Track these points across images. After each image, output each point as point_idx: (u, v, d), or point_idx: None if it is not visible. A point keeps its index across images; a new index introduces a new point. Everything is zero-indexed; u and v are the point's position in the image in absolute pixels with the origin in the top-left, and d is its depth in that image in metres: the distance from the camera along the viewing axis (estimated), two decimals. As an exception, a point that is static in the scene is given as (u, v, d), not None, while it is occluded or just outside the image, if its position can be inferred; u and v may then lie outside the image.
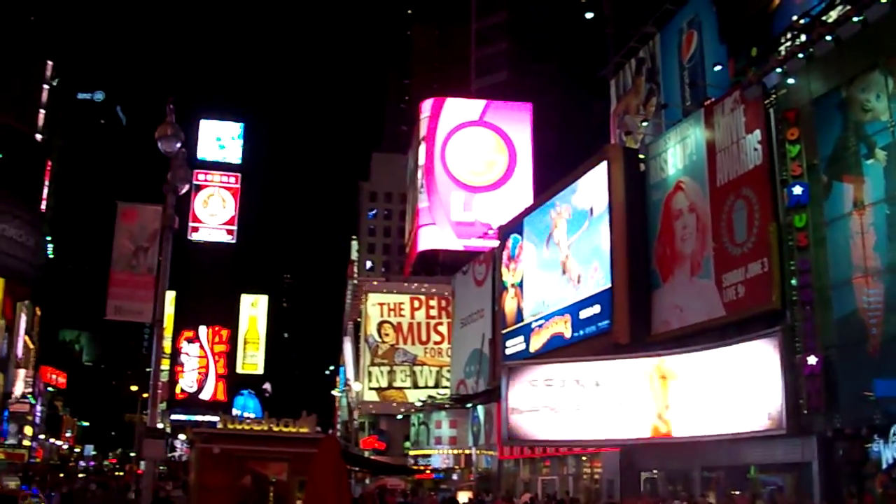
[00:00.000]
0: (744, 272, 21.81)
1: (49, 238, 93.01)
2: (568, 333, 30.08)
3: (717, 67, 27.34)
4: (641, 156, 28.50)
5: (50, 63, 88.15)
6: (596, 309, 28.04)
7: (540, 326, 32.69)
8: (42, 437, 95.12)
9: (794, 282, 20.30)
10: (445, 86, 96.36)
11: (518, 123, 67.23)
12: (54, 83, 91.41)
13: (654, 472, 26.87)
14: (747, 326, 21.68)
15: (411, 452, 52.18)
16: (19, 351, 79.92)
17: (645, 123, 31.83)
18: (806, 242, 20.03)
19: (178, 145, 19.68)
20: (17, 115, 70.70)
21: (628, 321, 26.39)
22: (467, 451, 44.09)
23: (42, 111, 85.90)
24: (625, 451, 27.19)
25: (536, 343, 32.85)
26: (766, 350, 20.69)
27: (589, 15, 60.83)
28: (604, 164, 28.78)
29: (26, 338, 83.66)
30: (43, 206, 77.46)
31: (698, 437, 22.79)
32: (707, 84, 28.15)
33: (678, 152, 25.86)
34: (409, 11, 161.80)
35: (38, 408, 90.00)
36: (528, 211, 37.09)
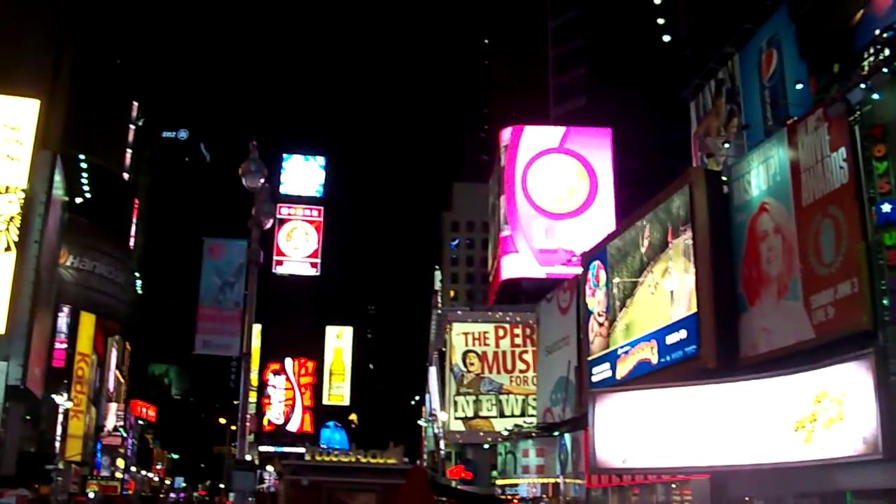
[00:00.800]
0: (833, 293, 21.32)
1: (137, 274, 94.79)
2: (654, 359, 29.73)
3: (799, 85, 26.92)
4: (724, 178, 28.10)
5: (135, 103, 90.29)
6: (682, 334, 27.67)
7: (626, 353, 32.37)
8: (133, 469, 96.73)
9: (885, 302, 19.80)
10: (524, 113, 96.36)
11: (598, 149, 67.02)
12: (140, 123, 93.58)
13: (746, 498, 26.33)
14: (838, 348, 21.17)
15: (498, 482, 51.96)
16: (111, 385, 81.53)
17: (727, 145, 31.44)
18: (896, 261, 19.58)
19: (262, 181, 19.97)
20: (104, 156, 72.50)
21: (715, 346, 25.96)
22: (555, 480, 43.75)
23: (129, 150, 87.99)
24: (715, 477, 26.70)
25: (622, 370, 32.53)
26: (857, 372, 20.19)
27: (666, 38, 60.48)
28: (686, 188, 28.47)
29: (117, 372, 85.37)
30: (131, 244, 79.14)
31: (790, 462, 22.29)
32: (789, 103, 27.73)
33: (761, 173, 25.45)
34: (486, 41, 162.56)
35: (130, 441, 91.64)
36: (610, 237, 36.85)
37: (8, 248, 36.87)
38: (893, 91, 20.23)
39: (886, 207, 19.74)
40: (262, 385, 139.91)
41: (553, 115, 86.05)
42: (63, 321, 59.68)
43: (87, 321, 64.76)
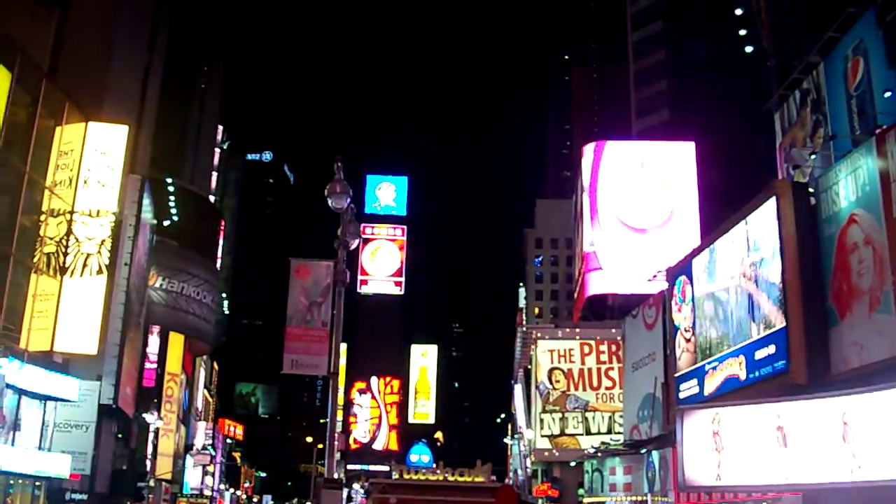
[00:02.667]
0: (927, 305, 20.83)
1: (224, 295, 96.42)
2: (742, 375, 29.25)
3: (887, 94, 26.38)
4: (811, 189, 27.61)
5: (220, 127, 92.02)
6: (771, 349, 27.19)
7: (714, 369, 31.91)
8: (222, 487, 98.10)
9: (983, 313, 19.28)
10: (605, 129, 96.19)
11: (681, 162, 66.39)
12: (225, 146, 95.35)
13: (840, 517, 25.75)
14: (934, 362, 20.67)
15: (585, 500, 51.49)
16: (199, 404, 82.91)
17: (813, 156, 30.91)
18: None
19: (348, 201, 20.20)
20: (191, 178, 73.97)
21: (805, 361, 25.44)
22: (642, 498, 43.23)
23: (214, 173, 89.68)
24: (808, 496, 26.15)
25: (710, 386, 32.06)
26: (955, 386, 19.68)
27: (749, 49, 59.97)
28: (773, 201, 28.03)
29: (205, 391, 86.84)
30: (218, 265, 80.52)
31: (885, 481, 21.74)
32: (877, 112, 27.18)
33: (850, 184, 24.95)
34: (567, 57, 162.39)
35: (219, 458, 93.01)
36: (696, 251, 36.40)
37: (100, 271, 37.72)
38: None
39: (980, 217, 19.24)
40: (349, 404, 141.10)
41: (635, 130, 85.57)
42: (153, 342, 60.94)
43: (177, 341, 66.07)
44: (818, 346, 25.42)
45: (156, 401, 60.37)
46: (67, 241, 37.11)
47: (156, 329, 61.33)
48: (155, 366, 61.31)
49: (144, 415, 53.24)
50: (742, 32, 67.15)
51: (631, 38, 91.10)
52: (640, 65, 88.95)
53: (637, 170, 66.91)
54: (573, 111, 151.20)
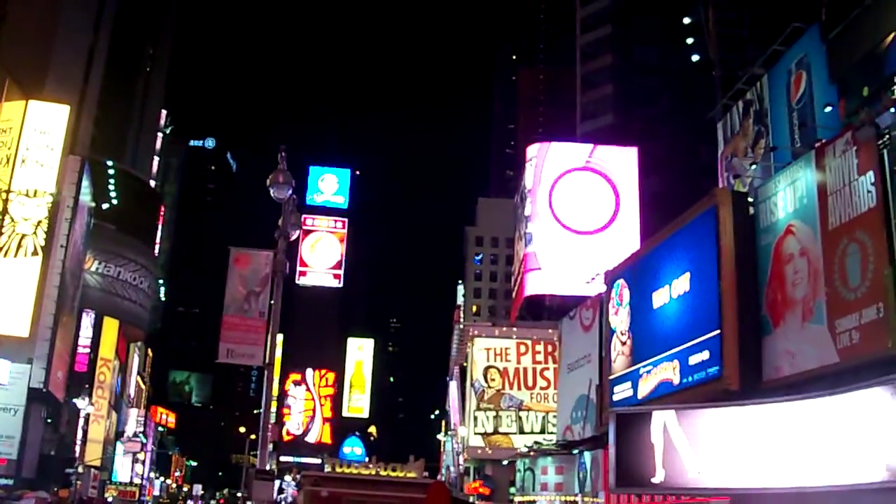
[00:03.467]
0: (858, 317, 21.16)
1: (161, 281, 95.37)
2: (676, 380, 29.56)
3: (828, 108, 26.81)
4: (750, 199, 27.98)
5: (164, 111, 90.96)
6: (705, 355, 27.50)
7: (648, 372, 32.21)
8: (152, 475, 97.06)
9: (912, 327, 19.66)
10: (551, 130, 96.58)
11: (624, 167, 66.93)
12: (168, 131, 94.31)
13: (766, 522, 26.13)
14: (863, 373, 20.99)
15: (517, 499, 51.74)
16: (132, 391, 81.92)
17: (754, 166, 31.30)
18: (924, 287, 19.42)
19: (290, 192, 20.09)
20: (132, 162, 73.04)
21: (738, 368, 25.78)
22: (573, 498, 43.53)
23: (156, 158, 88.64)
24: (735, 500, 26.51)
25: (644, 389, 32.36)
26: (883, 397, 20.01)
27: (695, 58, 60.57)
28: (712, 208, 28.36)
29: (138, 378, 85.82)
30: (156, 251, 79.63)
31: (811, 487, 22.10)
32: (817, 125, 27.61)
33: (788, 195, 25.33)
34: (514, 57, 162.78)
35: (149, 447, 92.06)
36: (635, 256, 36.73)
37: (35, 253, 37.24)
38: (923, 115, 20.15)
39: (914, 232, 19.62)
40: (283, 395, 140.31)
41: (580, 133, 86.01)
42: (87, 326, 60.10)
43: (111, 326, 65.21)
44: (751, 353, 25.76)
45: (87, 386, 59.50)
46: (2, 220, 36.54)
47: (90, 313, 60.47)
48: (88, 350, 60.47)
49: (75, 400, 52.46)
50: (689, 41, 67.86)
51: (579, 41, 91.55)
52: (587, 68, 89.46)
53: (580, 172, 67.33)
54: (519, 111, 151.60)
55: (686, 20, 70.13)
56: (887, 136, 21.32)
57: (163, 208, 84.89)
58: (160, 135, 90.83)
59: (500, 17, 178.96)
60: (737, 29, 42.88)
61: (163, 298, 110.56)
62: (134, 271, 64.46)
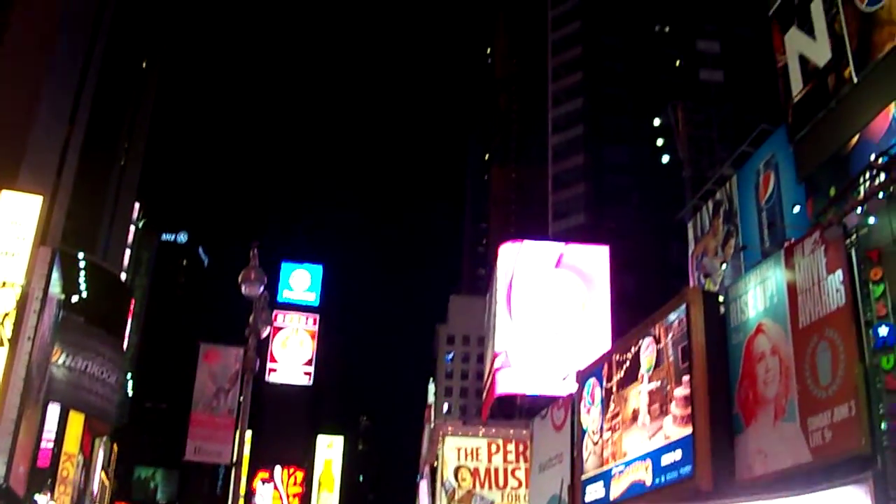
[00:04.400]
0: (830, 416, 21.14)
1: (129, 375, 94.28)
2: (649, 480, 29.31)
3: (796, 208, 27.13)
4: (721, 298, 28.14)
5: (137, 204, 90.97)
6: (677, 454, 27.33)
7: (620, 472, 31.94)
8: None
9: (883, 426, 19.60)
10: (522, 228, 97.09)
11: (596, 266, 67.17)
12: (140, 224, 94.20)
13: None
14: (835, 472, 20.88)
15: None
16: (95, 487, 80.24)
17: (724, 266, 31.60)
18: (895, 384, 19.44)
19: (261, 289, 20.02)
20: (104, 255, 72.70)
21: (711, 467, 25.62)
22: None
23: (128, 250, 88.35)
24: None
25: (616, 490, 32.04)
26: (857, 496, 19.89)
27: (665, 158, 61.52)
28: (683, 308, 28.47)
29: (103, 474, 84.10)
30: (125, 344, 78.83)
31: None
32: (786, 225, 27.93)
33: (758, 294, 25.49)
34: (487, 156, 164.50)
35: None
36: (606, 355, 36.70)
37: (1, 344, 36.68)
38: (889, 215, 20.40)
39: (883, 331, 19.70)
40: (250, 493, 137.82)
41: (552, 232, 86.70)
42: (51, 419, 59.05)
43: (76, 421, 64.07)
44: (724, 452, 25.62)
45: (50, 481, 58.23)
46: (-31, 311, 36.11)
47: (55, 407, 59.49)
48: (52, 445, 59.30)
49: (37, 496, 51.28)
50: (659, 142, 68.97)
51: (551, 140, 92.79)
52: (558, 167, 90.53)
53: (552, 271, 67.51)
54: (491, 210, 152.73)
55: (656, 121, 71.37)
56: (854, 236, 21.57)
57: (133, 302, 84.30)
58: (133, 228, 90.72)
59: (471, 116, 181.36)
60: (705, 130, 43.62)
61: (130, 393, 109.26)
62: (102, 365, 63.57)
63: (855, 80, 23.89)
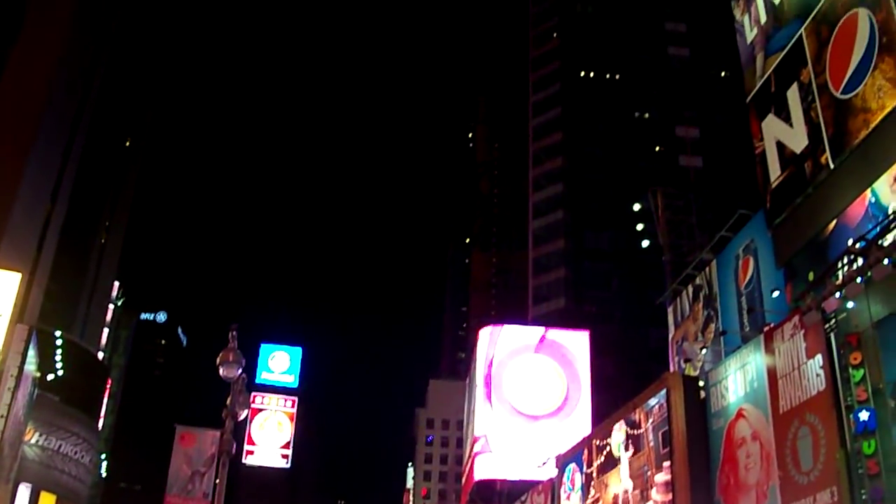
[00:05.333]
0: (812, 501, 20.98)
1: (104, 456, 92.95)
2: (629, 565, 28.95)
3: (775, 293, 27.21)
4: (701, 383, 28.10)
5: (117, 283, 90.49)
6: (659, 540, 27.05)
7: (600, 558, 31.54)
8: None
9: (866, 512, 19.44)
10: (503, 312, 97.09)
11: (576, 350, 67.03)
12: (119, 303, 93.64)
13: None
14: (818, 560, 20.67)
15: None
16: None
17: (704, 350, 31.57)
18: (877, 470, 19.30)
19: (239, 371, 19.87)
20: (81, 333, 72.09)
21: (692, 553, 25.35)
22: None
23: (106, 329, 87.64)
24: None
25: (596, 576, 31.63)
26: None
27: (645, 243, 61.84)
28: (663, 392, 28.40)
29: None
30: (100, 424, 77.78)
31: None
32: (765, 310, 27.99)
33: (739, 379, 25.46)
34: (468, 240, 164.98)
35: None
36: (586, 440, 36.47)
37: (-27, 422, 36.20)
38: (867, 300, 20.47)
39: (864, 415, 19.63)
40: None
41: (532, 316, 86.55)
42: (22, 499, 57.92)
43: (47, 501, 62.89)
44: (705, 539, 25.38)
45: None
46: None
47: (27, 487, 58.41)
48: (21, 527, 58.07)
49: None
50: (639, 227, 69.49)
51: (532, 225, 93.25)
52: (539, 252, 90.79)
53: (532, 355, 67.32)
54: (471, 294, 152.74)
55: (636, 206, 71.91)
56: (833, 321, 21.62)
57: (109, 381, 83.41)
58: (112, 306, 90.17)
59: (453, 200, 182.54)
60: (685, 215, 43.91)
61: (104, 473, 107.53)
62: (76, 445, 62.61)
63: (832, 166, 24.17)
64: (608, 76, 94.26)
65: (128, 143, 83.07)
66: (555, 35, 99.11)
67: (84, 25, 60.67)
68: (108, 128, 72.21)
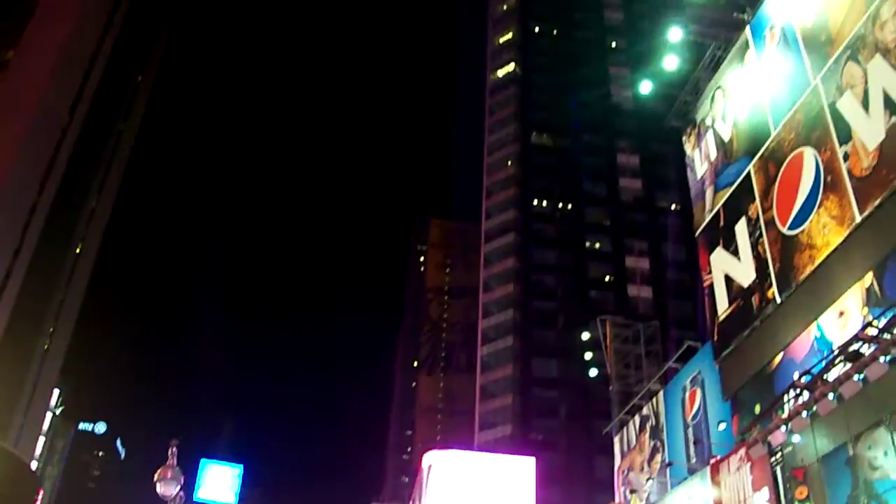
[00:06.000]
0: None
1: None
2: None
3: (722, 425, 27.30)
4: (646, 513, 27.91)
5: (56, 391, 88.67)
6: None
7: None
8: None
9: None
10: (448, 437, 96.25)
11: (521, 478, 66.27)
12: (58, 412, 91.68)
13: None
14: None
15: None
16: None
17: (650, 481, 31.41)
18: None
19: (177, 488, 19.54)
20: (17, 441, 70.29)
21: None
22: None
23: (42, 438, 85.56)
24: None
25: None
26: None
27: (593, 372, 61.90)
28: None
29: None
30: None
31: None
32: (712, 442, 28.02)
33: (685, 510, 25.33)
34: (416, 363, 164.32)
35: None
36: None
37: None
38: (814, 433, 20.57)
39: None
40: None
41: (478, 442, 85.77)
42: None
43: None
44: None
45: None
46: None
47: None
48: None
49: None
50: (588, 356, 69.73)
51: (481, 351, 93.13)
52: (487, 378, 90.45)
53: (476, 481, 66.49)
54: (417, 418, 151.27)
55: (584, 335, 72.18)
56: (780, 454, 21.69)
57: (41, 491, 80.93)
58: (49, 414, 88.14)
59: (401, 322, 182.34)
60: (633, 345, 44.18)
61: None
62: (0, 559, 60.43)
63: (778, 300, 24.56)
64: (560, 206, 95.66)
65: (78, 250, 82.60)
66: (509, 163, 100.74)
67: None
68: (57, 230, 71.77)
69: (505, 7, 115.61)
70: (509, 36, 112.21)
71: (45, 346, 79.43)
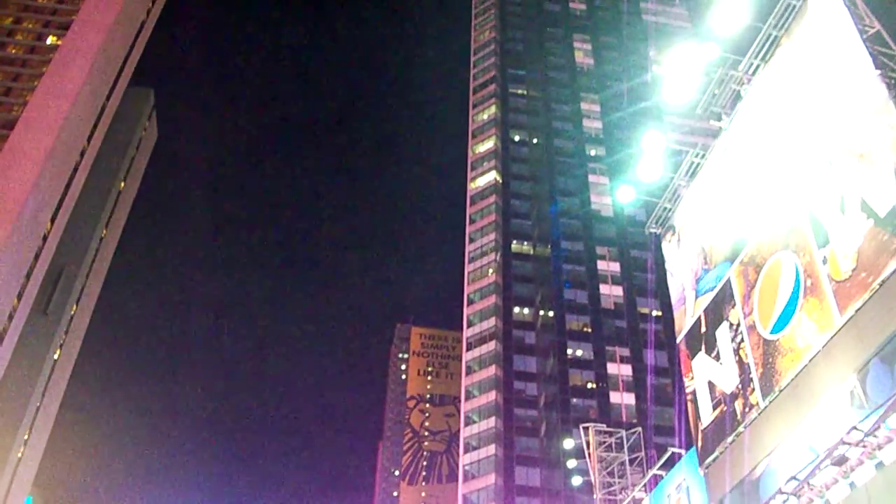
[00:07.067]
0: None
1: None
2: None
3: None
4: None
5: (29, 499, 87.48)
6: None
7: None
8: None
9: None
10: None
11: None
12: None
13: None
14: None
15: None
16: None
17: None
18: None
19: None
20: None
21: None
22: None
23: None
24: None
25: None
26: None
27: (577, 480, 61.23)
28: None
29: None
30: None
31: None
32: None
33: None
34: (396, 472, 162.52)
35: None
36: None
37: None
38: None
39: None
40: None
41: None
42: None
43: None
44: None
45: None
46: None
47: None
48: None
49: None
50: (571, 464, 69.18)
51: (462, 460, 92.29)
52: (470, 487, 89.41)
53: None
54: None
55: (567, 443, 71.72)
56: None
57: None
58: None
59: (382, 428, 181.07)
60: (617, 453, 43.85)
61: None
62: None
63: (762, 405, 24.47)
64: (541, 313, 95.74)
65: (57, 355, 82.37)
66: (490, 271, 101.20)
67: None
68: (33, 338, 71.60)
69: (486, 116, 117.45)
70: (490, 145, 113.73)
71: (20, 454, 78.58)
